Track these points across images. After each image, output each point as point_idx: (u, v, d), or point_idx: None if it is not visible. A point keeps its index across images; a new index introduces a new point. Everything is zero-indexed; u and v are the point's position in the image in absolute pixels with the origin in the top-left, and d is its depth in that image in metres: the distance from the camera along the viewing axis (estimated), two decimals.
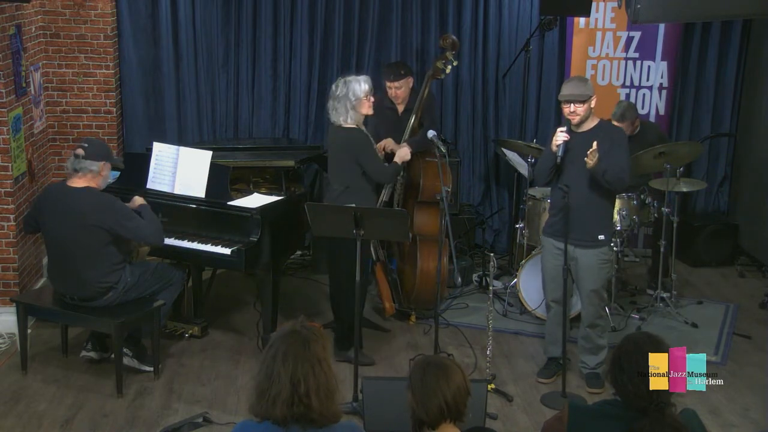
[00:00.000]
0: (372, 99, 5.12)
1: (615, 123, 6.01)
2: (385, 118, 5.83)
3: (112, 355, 4.96)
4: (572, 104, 4.74)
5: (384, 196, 5.72)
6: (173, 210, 5.31)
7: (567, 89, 4.78)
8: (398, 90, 5.78)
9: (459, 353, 5.42)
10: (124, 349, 4.98)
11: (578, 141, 4.76)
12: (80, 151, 4.78)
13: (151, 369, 5.07)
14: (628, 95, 7.10)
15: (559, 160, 4.75)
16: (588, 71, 7.05)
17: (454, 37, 5.94)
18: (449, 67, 5.87)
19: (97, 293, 4.84)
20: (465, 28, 7.09)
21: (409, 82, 5.85)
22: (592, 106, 4.80)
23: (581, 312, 5.10)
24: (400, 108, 5.87)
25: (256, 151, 6.26)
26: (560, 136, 4.73)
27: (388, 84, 5.82)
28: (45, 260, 6.38)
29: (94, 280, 4.80)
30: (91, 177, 4.79)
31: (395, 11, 7.02)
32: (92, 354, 5.18)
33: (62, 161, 6.74)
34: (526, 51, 6.82)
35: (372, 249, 5.63)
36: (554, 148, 4.76)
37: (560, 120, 4.84)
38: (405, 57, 7.01)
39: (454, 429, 2.84)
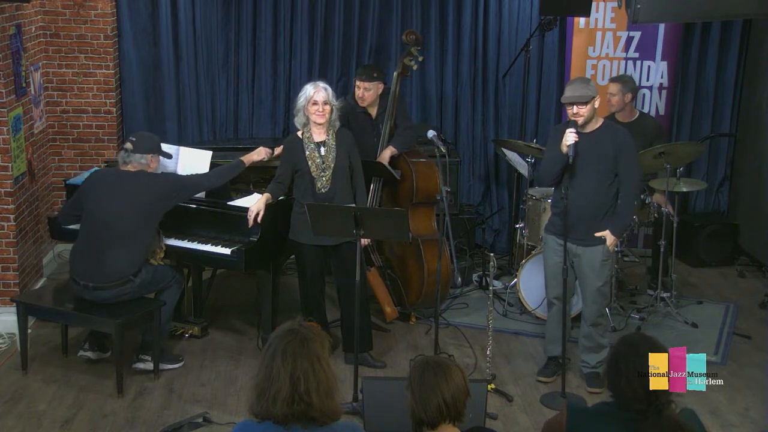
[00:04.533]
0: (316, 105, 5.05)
1: (611, 84, 6.16)
2: (359, 122, 5.78)
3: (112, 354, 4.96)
4: (575, 106, 4.74)
5: (374, 198, 5.73)
6: (173, 210, 5.30)
7: (569, 91, 4.79)
8: (367, 92, 5.65)
9: (459, 353, 5.42)
10: (141, 356, 5.03)
11: (584, 142, 4.77)
12: (129, 146, 4.91)
13: (175, 366, 5.14)
14: None
15: (570, 160, 4.74)
16: (588, 71, 7.04)
17: (418, 33, 5.97)
18: (415, 63, 5.88)
19: (114, 280, 4.79)
20: (465, 28, 7.09)
21: (379, 88, 5.71)
22: (596, 106, 4.80)
23: (583, 310, 5.10)
24: (373, 111, 5.79)
25: None
26: (570, 137, 4.72)
27: (357, 83, 5.70)
28: (47, 258, 6.40)
29: (120, 261, 4.77)
30: (142, 168, 4.91)
31: (395, 11, 7.03)
32: (89, 354, 5.17)
33: (62, 161, 6.75)
34: (526, 51, 6.82)
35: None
36: (565, 149, 4.75)
37: (560, 120, 4.83)
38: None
39: (453, 429, 2.84)
